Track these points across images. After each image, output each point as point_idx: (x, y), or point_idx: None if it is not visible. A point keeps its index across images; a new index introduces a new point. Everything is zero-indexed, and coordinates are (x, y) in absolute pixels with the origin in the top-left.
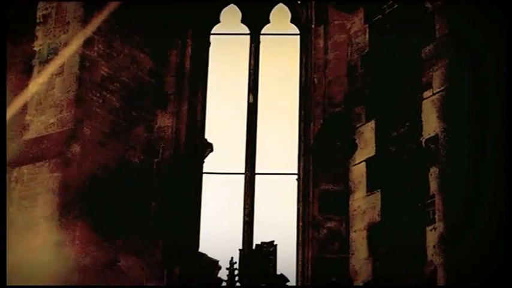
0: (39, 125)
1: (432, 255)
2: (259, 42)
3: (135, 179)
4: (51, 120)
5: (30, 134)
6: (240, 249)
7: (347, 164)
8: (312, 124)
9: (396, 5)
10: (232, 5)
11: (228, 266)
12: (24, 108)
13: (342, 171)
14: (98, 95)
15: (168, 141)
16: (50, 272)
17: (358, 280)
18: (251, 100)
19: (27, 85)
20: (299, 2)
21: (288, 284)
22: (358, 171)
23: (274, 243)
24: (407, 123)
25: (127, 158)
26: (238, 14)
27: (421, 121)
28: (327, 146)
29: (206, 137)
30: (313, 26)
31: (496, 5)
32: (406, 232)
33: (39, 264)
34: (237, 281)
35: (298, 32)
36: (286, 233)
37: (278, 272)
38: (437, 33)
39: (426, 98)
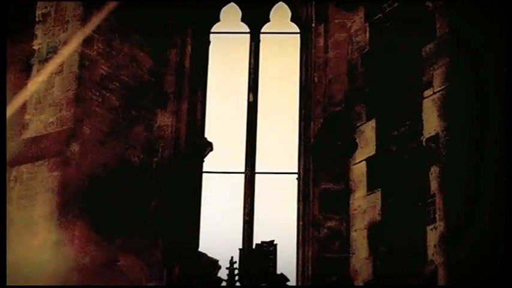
0: (39, 124)
1: (433, 254)
2: (259, 41)
3: (134, 178)
4: (51, 119)
5: (29, 133)
6: (240, 249)
7: (347, 163)
8: (312, 123)
9: (396, 4)
10: (232, 3)
11: (228, 265)
12: (24, 107)
13: (342, 171)
14: (98, 94)
15: (168, 140)
16: (49, 271)
17: (358, 280)
18: (251, 99)
19: (26, 84)
20: (299, 0)
21: (288, 283)
22: (359, 170)
23: (275, 242)
24: (407, 122)
25: (126, 157)
26: (238, 13)
27: (422, 120)
28: (327, 145)
29: (206, 136)
30: (313, 24)
31: (496, 5)
32: (406, 231)
33: (38, 263)
34: (237, 281)
35: (298, 30)
36: (286, 232)
37: (278, 272)
38: (437, 32)
39: (427, 97)
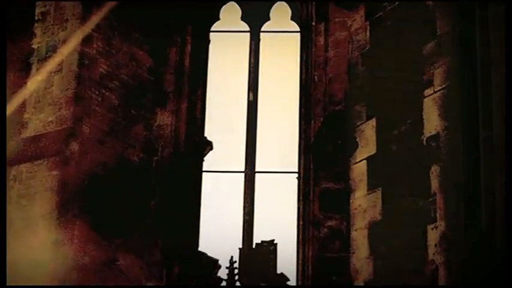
0: (38, 123)
1: (433, 254)
2: (259, 39)
3: (134, 177)
4: (50, 118)
5: (28, 132)
6: (239, 248)
7: (348, 162)
8: (312, 122)
9: (397, 2)
10: (232, 2)
11: (228, 265)
12: (23, 106)
13: (342, 170)
14: (97, 92)
15: (168, 139)
16: (48, 271)
17: (358, 279)
18: (251, 98)
19: (25, 83)
20: None
21: (288, 283)
22: (359, 169)
23: (275, 242)
24: (408, 121)
25: (126, 157)
26: (238, 11)
27: (422, 119)
28: (327, 144)
29: (206, 135)
30: (313, 23)
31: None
32: (407, 231)
33: (37, 263)
34: (237, 280)
35: (298, 29)
36: (286, 231)
37: (278, 271)
38: (438, 30)
39: (427, 96)
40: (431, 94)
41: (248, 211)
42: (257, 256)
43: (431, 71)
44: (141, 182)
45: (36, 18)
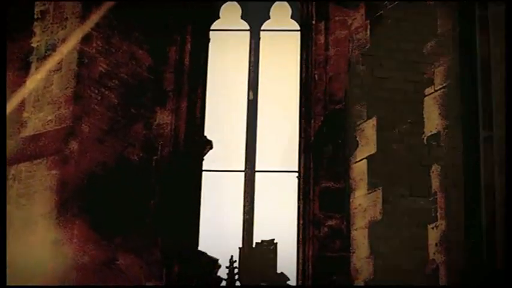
0: (37, 122)
1: (434, 253)
2: (259, 38)
3: (133, 176)
4: (49, 117)
5: (27, 131)
6: (239, 248)
7: (348, 161)
8: (312, 121)
9: (398, 1)
10: (232, 1)
11: (228, 264)
12: (22, 105)
13: (342, 169)
14: (96, 91)
15: (167, 138)
16: (47, 270)
17: (359, 279)
18: (251, 97)
19: (24, 82)
20: None
21: (289, 282)
22: (359, 168)
23: (275, 241)
24: (408, 120)
25: (125, 156)
26: (238, 10)
27: (423, 118)
28: (327, 143)
29: (205, 134)
30: (313, 22)
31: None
32: (407, 230)
33: (37, 262)
34: (237, 280)
35: (298, 28)
36: (286, 231)
37: (278, 271)
38: (439, 29)
39: (428, 95)
40: (432, 93)
41: (248, 210)
42: (257, 255)
43: (432, 70)
44: (141, 181)
45: (35, 16)
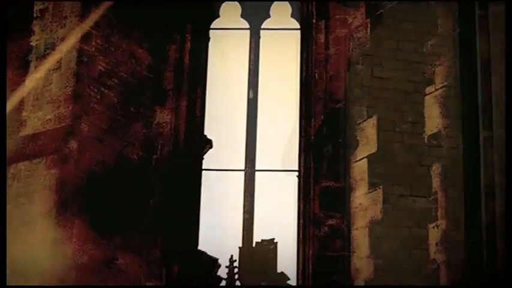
0: (36, 121)
1: (434, 253)
2: (259, 37)
3: (133, 175)
4: (48, 116)
5: (27, 130)
6: (239, 247)
7: (348, 160)
8: (312, 120)
9: (398, 0)
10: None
11: (228, 264)
12: (21, 104)
13: (343, 168)
14: (96, 90)
15: (167, 137)
16: (47, 269)
17: (359, 278)
18: (251, 96)
19: (23, 81)
20: None
21: (289, 282)
22: (360, 168)
23: (275, 240)
24: (409, 120)
25: (125, 155)
26: (238, 9)
27: (424, 117)
28: (327, 142)
29: (205, 133)
30: (314, 20)
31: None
32: (407, 230)
33: (36, 262)
34: (237, 279)
35: (298, 26)
36: (286, 230)
37: (278, 270)
38: (439, 28)
39: (429, 94)
40: (433, 92)
41: (248, 210)
42: (257, 255)
43: (433, 69)
44: (141, 181)
45: (34, 15)
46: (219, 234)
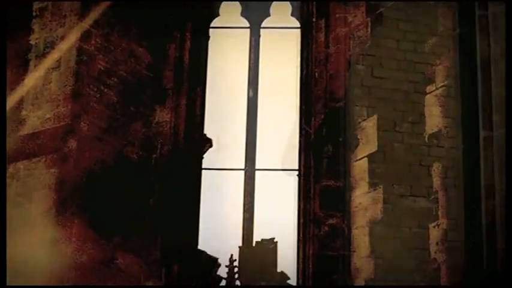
0: (36, 120)
1: (435, 252)
2: (259, 35)
3: (133, 175)
4: (48, 115)
5: (26, 129)
6: (239, 247)
7: (348, 159)
8: (313, 119)
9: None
10: None
11: (228, 263)
12: (20, 103)
13: (343, 167)
14: (95, 89)
15: (167, 136)
16: (46, 269)
17: (359, 278)
18: (251, 94)
19: (23, 79)
20: None
21: (289, 281)
22: (360, 167)
23: (275, 240)
24: (409, 119)
25: (125, 154)
26: (238, 7)
27: (424, 117)
28: (328, 141)
29: (205, 132)
30: (314, 19)
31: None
32: (408, 229)
33: (35, 261)
34: (237, 279)
35: (298, 25)
36: (286, 229)
37: (278, 270)
38: (440, 26)
39: (429, 93)
40: (433, 91)
41: (248, 209)
42: (257, 254)
43: (433, 68)
44: (140, 180)
45: (34, 14)
46: (219, 233)
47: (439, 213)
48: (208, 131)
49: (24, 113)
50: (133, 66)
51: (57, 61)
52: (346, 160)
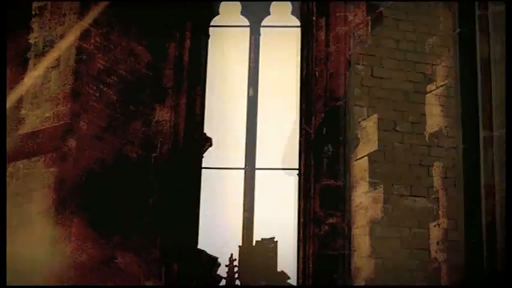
0: (35, 119)
1: (436, 252)
2: (259, 34)
3: (132, 174)
4: (47, 114)
5: (25, 129)
6: (239, 246)
7: (349, 159)
8: (313, 118)
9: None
10: None
11: (228, 263)
12: (20, 102)
13: (343, 167)
14: (95, 88)
15: (167, 135)
16: (45, 268)
17: (359, 277)
18: (251, 93)
19: (22, 78)
20: None
21: (289, 281)
22: (360, 166)
23: (275, 239)
24: (410, 118)
25: (124, 153)
26: (238, 6)
27: (424, 117)
28: (328, 140)
29: (205, 131)
30: (314, 18)
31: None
32: (408, 229)
33: (34, 260)
34: (237, 279)
35: (299, 24)
36: (286, 229)
37: (278, 269)
38: (441, 26)
39: (429, 92)
40: (434, 90)
41: (248, 208)
42: (257, 254)
43: (434, 67)
44: (140, 179)
45: (33, 12)
46: (218, 233)
47: (439, 212)
48: (208, 130)
49: (23, 112)
50: (133, 65)
51: (56, 60)
52: (346, 159)
